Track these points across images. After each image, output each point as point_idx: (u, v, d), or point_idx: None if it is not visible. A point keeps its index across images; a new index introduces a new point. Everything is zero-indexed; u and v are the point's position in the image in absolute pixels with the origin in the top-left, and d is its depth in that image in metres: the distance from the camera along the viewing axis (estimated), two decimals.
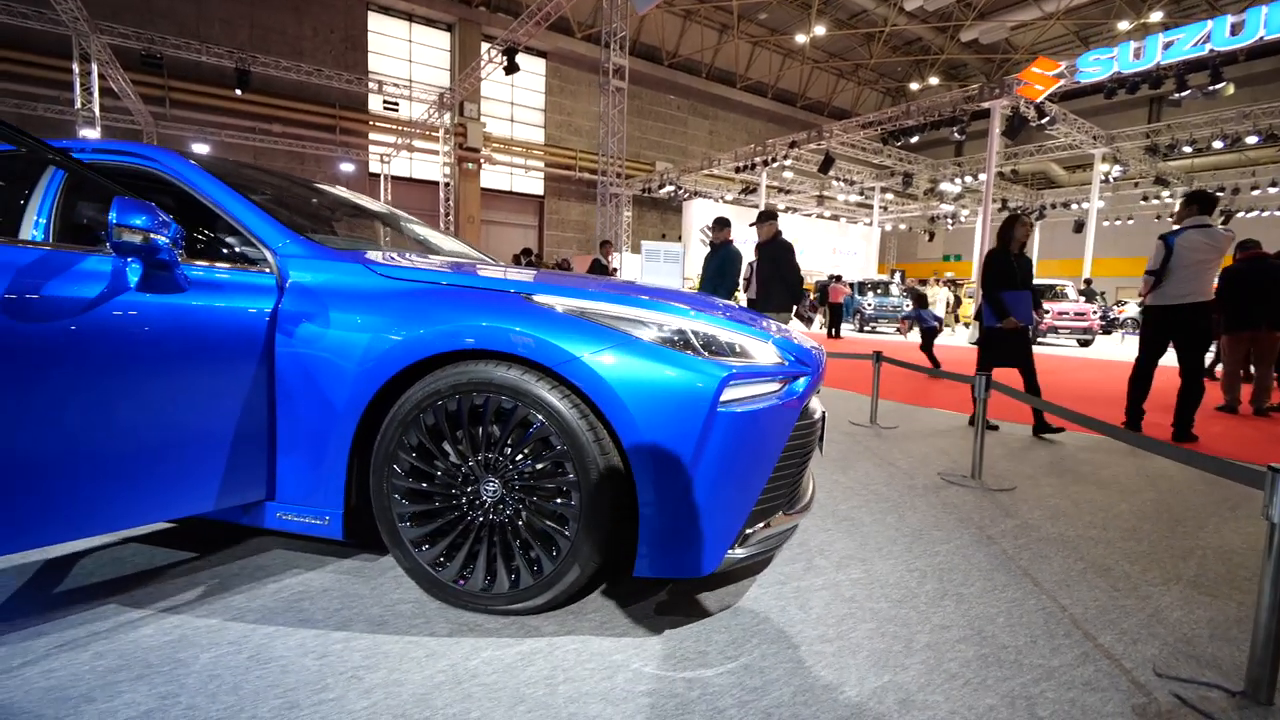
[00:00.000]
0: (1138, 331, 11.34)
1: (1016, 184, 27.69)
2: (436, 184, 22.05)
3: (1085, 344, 13.83)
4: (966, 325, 17.91)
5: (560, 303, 1.62)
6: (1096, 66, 10.28)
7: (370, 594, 1.72)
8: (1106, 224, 23.75)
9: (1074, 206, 22.71)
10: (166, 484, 1.54)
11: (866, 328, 17.30)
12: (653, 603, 1.72)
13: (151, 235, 1.38)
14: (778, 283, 5.54)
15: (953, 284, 19.94)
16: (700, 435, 1.49)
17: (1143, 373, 4.21)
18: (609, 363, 1.50)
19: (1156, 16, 20.95)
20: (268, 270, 1.74)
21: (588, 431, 1.52)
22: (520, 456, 1.56)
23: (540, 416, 1.53)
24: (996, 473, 3.25)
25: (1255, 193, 18.55)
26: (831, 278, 15.51)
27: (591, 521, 1.52)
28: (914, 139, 14.78)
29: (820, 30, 25.06)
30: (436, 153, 21.80)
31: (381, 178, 21.80)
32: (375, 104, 21.59)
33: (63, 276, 1.36)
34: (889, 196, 26.01)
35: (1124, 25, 21.91)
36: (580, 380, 1.51)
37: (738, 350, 1.66)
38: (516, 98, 24.37)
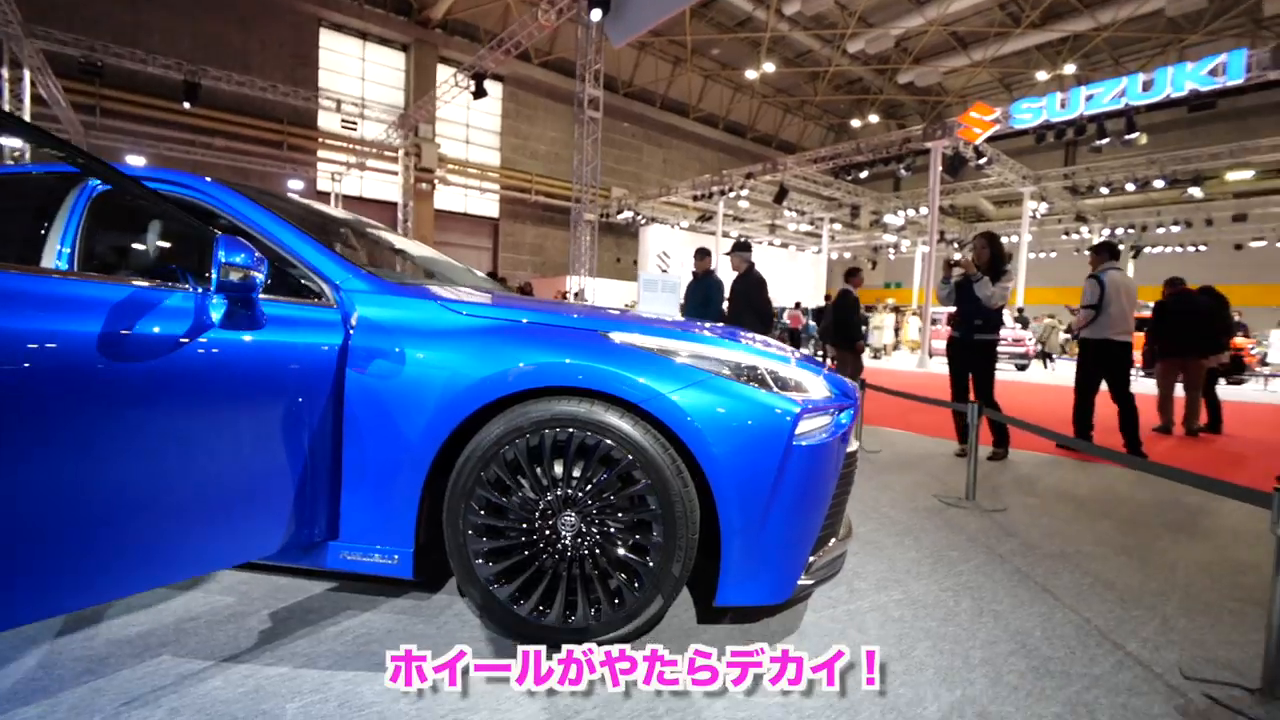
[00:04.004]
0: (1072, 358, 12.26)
1: (950, 217, 29.50)
2: (389, 203, 21.59)
3: (1021, 368, 14.80)
4: (913, 350, 18.82)
5: (636, 340, 1.68)
6: (1028, 114, 11.26)
7: (438, 633, 1.70)
8: (1032, 256, 25.60)
9: (1003, 239, 24.45)
10: (239, 526, 1.49)
11: (819, 352, 17.98)
12: (718, 631, 1.77)
13: (251, 273, 1.36)
14: (750, 313, 5.74)
15: (896, 310, 20.97)
16: (779, 467, 1.57)
17: (1089, 399, 4.66)
18: (692, 399, 1.57)
19: (1070, 69, 23.01)
20: (330, 305, 1.73)
21: (670, 465, 1.57)
22: (603, 491, 1.60)
23: (624, 451, 1.57)
24: (981, 494, 3.45)
25: (1160, 230, 20.50)
26: (795, 305, 16.12)
27: (674, 553, 1.57)
28: (863, 174, 15.63)
29: (769, 67, 26.20)
30: (389, 172, 21.40)
31: (332, 196, 21.17)
32: (325, 120, 21.04)
33: (153, 314, 1.32)
34: (836, 226, 27.22)
35: (1042, 75, 23.94)
36: (665, 416, 1.56)
37: (798, 385, 1.76)
38: (472, 119, 24.26)
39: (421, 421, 1.63)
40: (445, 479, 1.68)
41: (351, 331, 1.69)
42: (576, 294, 13.18)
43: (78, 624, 1.68)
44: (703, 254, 5.73)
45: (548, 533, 1.61)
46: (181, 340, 1.34)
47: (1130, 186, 15.03)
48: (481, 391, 1.61)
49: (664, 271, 19.65)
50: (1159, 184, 14.25)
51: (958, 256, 4.42)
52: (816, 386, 1.82)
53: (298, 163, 20.55)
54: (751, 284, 5.73)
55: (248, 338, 1.47)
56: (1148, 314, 6.27)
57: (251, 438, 1.48)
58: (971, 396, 4.42)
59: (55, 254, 1.89)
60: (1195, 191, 14.85)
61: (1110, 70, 22.78)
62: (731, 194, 18.26)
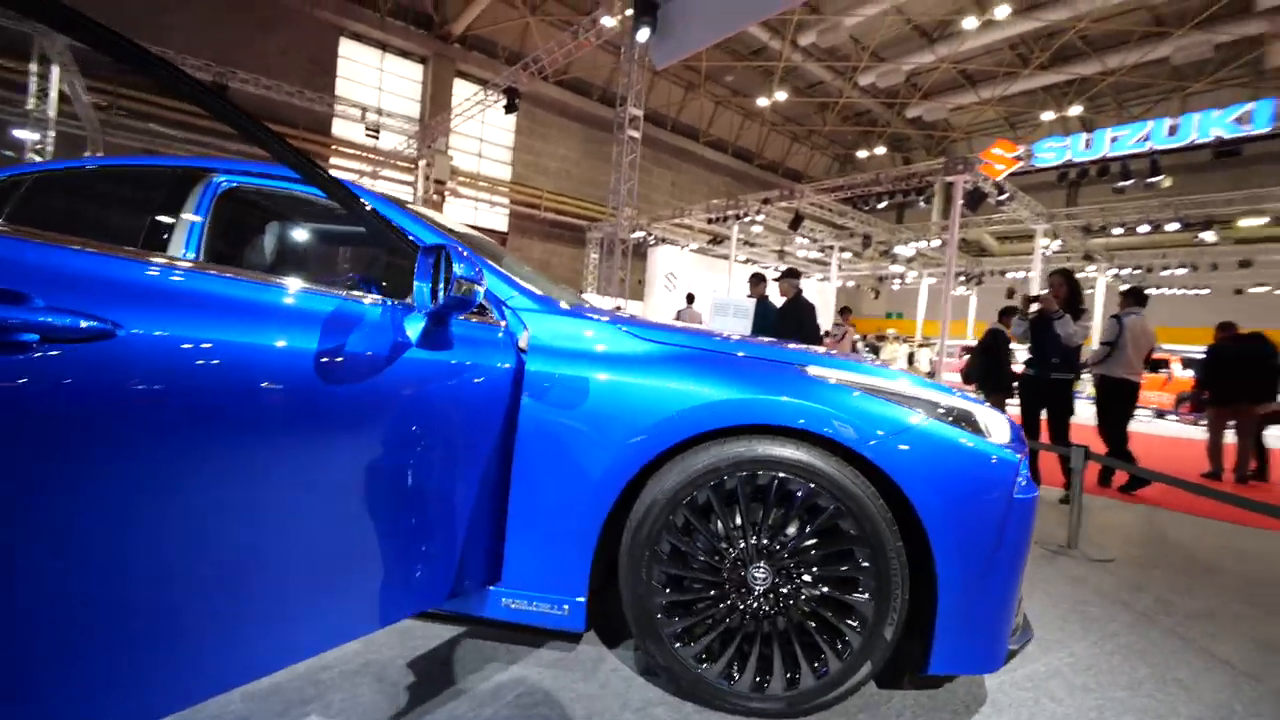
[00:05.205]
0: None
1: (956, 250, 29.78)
2: None
3: None
4: None
5: (840, 376, 1.54)
6: (1051, 152, 11.38)
7: (604, 694, 1.53)
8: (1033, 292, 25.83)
9: (1008, 275, 24.66)
10: (414, 572, 1.32)
11: None
12: (905, 699, 1.61)
13: (475, 286, 1.22)
14: (799, 338, 5.65)
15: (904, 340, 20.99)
16: (1001, 523, 1.44)
17: (1125, 435, 4.62)
18: (916, 443, 1.43)
19: (1075, 110, 23.50)
20: (496, 324, 1.58)
21: (883, 515, 1.43)
22: (808, 542, 1.45)
23: (834, 499, 1.42)
24: (1061, 539, 3.25)
25: (1165, 272, 20.78)
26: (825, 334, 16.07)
27: (886, 614, 1.42)
28: (881, 204, 15.73)
29: (781, 96, 26.56)
30: (402, 182, 21.35)
31: None
32: (339, 128, 21.02)
33: (360, 331, 1.17)
34: (845, 255, 27.38)
35: (1048, 115, 24.43)
36: (883, 462, 1.42)
37: (995, 432, 1.63)
38: (485, 134, 24.32)
39: (605, 457, 1.48)
40: (618, 522, 1.53)
41: (523, 354, 1.54)
42: (617, 309, 13.00)
43: None
44: (757, 279, 5.64)
45: (743, 588, 1.46)
46: (386, 361, 1.19)
47: (1144, 228, 15.23)
48: (676, 427, 1.46)
49: (668, 291, 19.58)
50: (1171, 227, 14.47)
51: (1037, 293, 4.37)
52: (1003, 431, 1.69)
53: None
54: (802, 310, 5.65)
55: (441, 358, 1.32)
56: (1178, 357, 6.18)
57: (434, 471, 1.33)
58: (1043, 436, 4.32)
59: (180, 255, 1.75)
60: (1208, 236, 15.06)
61: (1113, 113, 23.27)
62: (746, 219, 18.32)
